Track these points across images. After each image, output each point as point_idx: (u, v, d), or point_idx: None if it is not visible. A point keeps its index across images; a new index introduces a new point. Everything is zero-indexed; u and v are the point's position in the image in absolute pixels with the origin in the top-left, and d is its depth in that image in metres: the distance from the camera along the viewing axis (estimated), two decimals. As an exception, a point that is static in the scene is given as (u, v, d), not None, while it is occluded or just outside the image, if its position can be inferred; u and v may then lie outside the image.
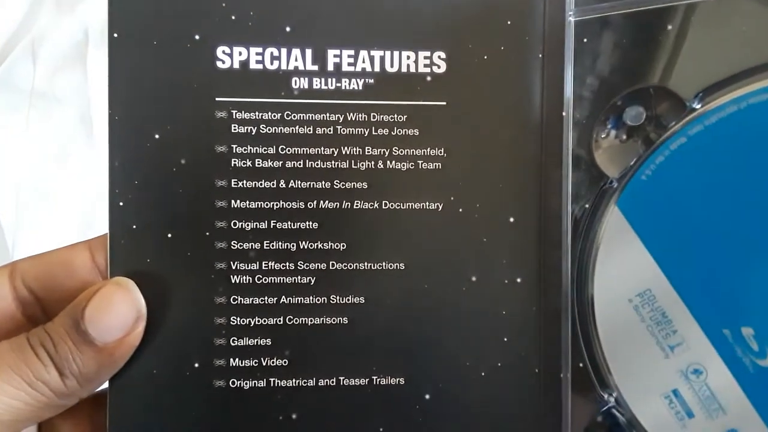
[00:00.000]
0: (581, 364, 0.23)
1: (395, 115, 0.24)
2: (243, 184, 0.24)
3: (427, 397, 0.24)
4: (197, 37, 0.23)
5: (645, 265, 0.23)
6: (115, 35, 0.23)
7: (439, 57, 0.24)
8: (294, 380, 0.24)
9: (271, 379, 0.24)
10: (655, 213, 0.23)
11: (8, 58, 0.43)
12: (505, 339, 0.24)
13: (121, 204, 0.23)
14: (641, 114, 0.24)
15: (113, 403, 0.23)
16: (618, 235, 0.24)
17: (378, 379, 0.24)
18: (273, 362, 0.24)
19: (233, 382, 0.23)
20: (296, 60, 0.24)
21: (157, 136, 0.23)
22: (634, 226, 0.23)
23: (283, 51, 0.24)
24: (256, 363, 0.24)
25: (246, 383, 0.23)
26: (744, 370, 0.23)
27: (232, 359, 0.23)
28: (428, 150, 0.24)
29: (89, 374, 0.22)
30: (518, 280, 0.24)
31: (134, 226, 0.23)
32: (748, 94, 0.23)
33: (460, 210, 0.24)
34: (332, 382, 0.24)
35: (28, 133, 0.43)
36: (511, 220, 0.24)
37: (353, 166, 0.24)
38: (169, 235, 0.23)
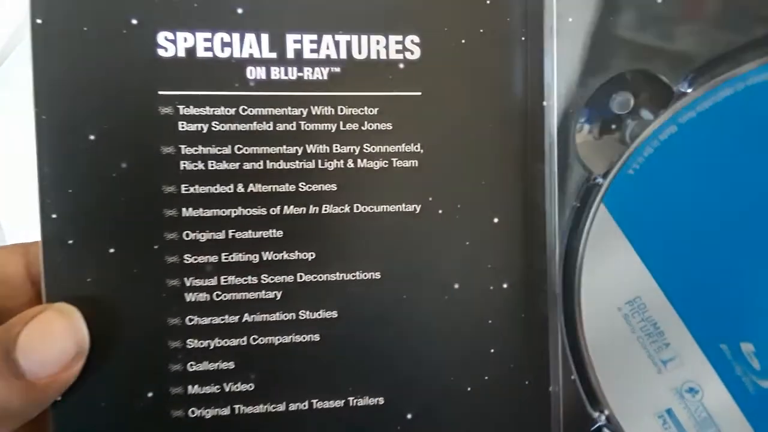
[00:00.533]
0: (573, 377, 0.22)
1: (365, 108, 0.22)
2: (194, 189, 0.21)
3: (409, 416, 0.22)
4: (134, 21, 0.20)
5: (634, 270, 0.21)
6: (39, 21, 0.20)
7: (412, 41, 0.22)
8: (261, 406, 0.21)
9: (236, 406, 0.21)
10: (645, 212, 0.21)
11: (8, 57, 0.43)
12: (492, 350, 0.22)
13: (54, 216, 0.20)
14: (629, 101, 0.22)
15: (56, 442, 0.20)
16: (605, 237, 0.22)
17: (354, 401, 0.22)
18: (237, 387, 0.21)
19: (193, 412, 0.21)
20: (251, 47, 0.21)
21: (92, 138, 0.20)
22: (622, 226, 0.21)
23: (236, 36, 0.21)
24: (217, 389, 0.21)
25: (207, 412, 0.21)
26: (744, 391, 0.21)
27: (190, 386, 0.21)
28: (403, 146, 0.22)
29: (11, 410, 0.19)
30: (504, 285, 0.22)
31: (70, 241, 0.20)
32: (745, 74, 0.21)
33: (440, 211, 0.22)
34: (304, 406, 0.22)
35: (28, 133, 0.42)
36: (495, 220, 0.22)
37: (320, 166, 0.21)
38: (112, 250, 0.21)
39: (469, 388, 0.22)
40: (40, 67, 0.20)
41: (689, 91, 0.21)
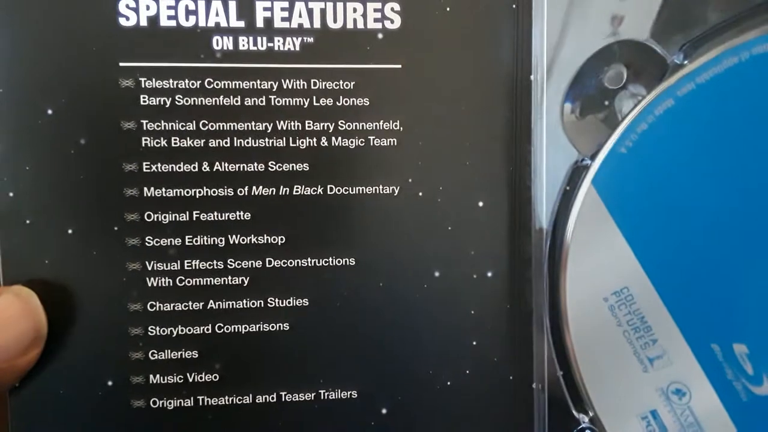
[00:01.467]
0: (559, 373, 0.20)
1: (341, 82, 0.20)
2: (157, 167, 0.20)
3: (384, 411, 0.21)
4: (94, -13, 0.19)
5: (623, 259, 0.19)
6: None
7: (392, 9, 0.20)
8: (227, 398, 0.20)
9: (200, 398, 0.20)
10: (636, 195, 0.20)
11: None
12: (474, 342, 0.21)
13: (11, 195, 0.19)
14: (621, 74, 0.20)
15: (15, 429, 0.20)
16: (593, 221, 0.20)
17: (326, 393, 0.21)
18: (201, 378, 0.20)
19: (154, 402, 0.20)
20: (217, 14, 0.20)
21: (49, 112, 0.19)
22: (611, 210, 0.20)
23: (201, 3, 0.20)
24: (181, 379, 0.20)
25: (170, 403, 0.20)
26: (735, 397, 0.19)
27: (152, 376, 0.20)
28: (381, 123, 0.20)
29: None
30: (488, 274, 0.21)
31: (27, 221, 0.19)
32: (750, 42, 0.18)
33: (420, 194, 0.20)
34: (272, 398, 0.20)
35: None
36: (480, 204, 0.21)
37: (291, 144, 0.20)
38: (70, 231, 0.19)
39: (449, 382, 0.21)
40: None
41: (685, 63, 0.19)
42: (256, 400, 0.20)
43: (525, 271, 0.21)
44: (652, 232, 0.19)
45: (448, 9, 0.20)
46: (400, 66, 0.20)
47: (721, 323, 0.19)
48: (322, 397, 0.21)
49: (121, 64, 0.19)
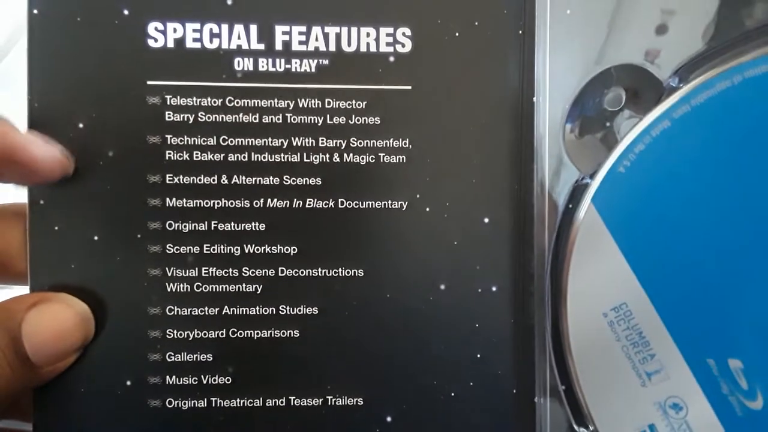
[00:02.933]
0: (562, 388, 0.20)
1: (353, 101, 0.21)
2: (179, 179, 0.21)
3: (389, 419, 0.21)
4: (126, 12, 0.21)
5: (621, 275, 0.20)
6: (35, 12, 0.21)
7: (403, 34, 0.21)
8: (238, 400, 0.21)
9: (213, 399, 0.21)
10: (634, 212, 0.20)
11: (8, 55, 0.41)
12: (479, 355, 0.21)
13: (41, 202, 0.21)
14: (620, 96, 0.20)
15: (38, 425, 0.21)
16: (593, 239, 0.20)
17: (333, 400, 0.21)
18: (214, 380, 0.21)
19: (170, 402, 0.21)
20: (239, 38, 0.21)
21: (81, 126, 0.21)
22: (610, 227, 0.20)
23: (224, 27, 0.21)
24: (195, 381, 0.21)
25: (184, 403, 0.21)
26: (730, 412, 0.19)
27: (168, 377, 0.21)
28: (391, 141, 0.21)
29: (7, 391, 0.19)
30: (493, 288, 0.21)
31: (56, 228, 0.21)
32: (743, 65, 0.19)
33: (428, 209, 0.21)
34: (281, 402, 0.21)
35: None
36: (486, 220, 0.21)
37: (305, 160, 0.21)
38: (96, 238, 0.21)
39: (453, 393, 0.21)
40: (34, 56, 0.21)
41: (680, 85, 0.20)
42: (266, 404, 0.21)
43: (529, 286, 0.21)
44: (649, 249, 0.20)
45: (456, 34, 0.21)
46: (410, 87, 0.21)
47: (717, 338, 0.19)
48: (329, 403, 0.21)
49: (148, 82, 0.21)
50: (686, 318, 0.19)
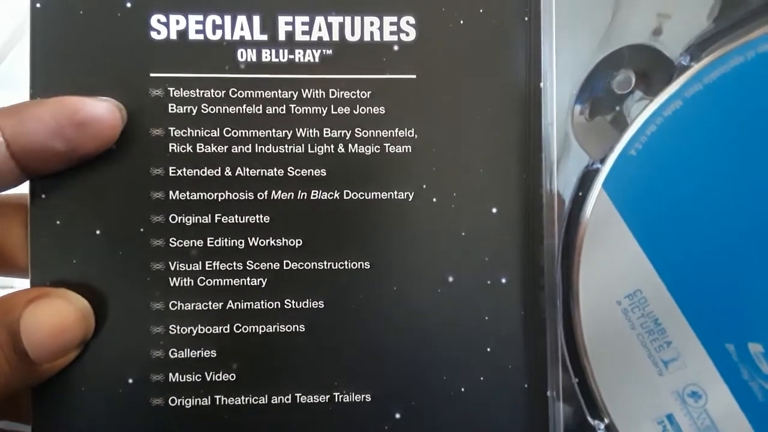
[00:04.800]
0: (575, 380, 0.20)
1: (357, 91, 0.21)
2: (182, 172, 0.21)
3: (398, 416, 0.21)
4: (128, 4, 0.21)
5: (635, 261, 0.19)
6: (38, 5, 0.20)
7: (407, 23, 0.21)
8: (243, 398, 0.21)
9: (217, 397, 0.21)
10: (647, 197, 0.19)
11: (8, 55, 0.42)
12: (489, 349, 0.21)
13: (43, 196, 0.20)
14: (630, 79, 0.20)
15: (37, 424, 0.20)
16: (605, 224, 0.20)
17: (340, 396, 0.21)
18: (218, 377, 0.21)
19: (173, 401, 0.20)
20: (242, 29, 0.21)
21: None
22: (623, 212, 0.19)
23: (227, 18, 0.21)
24: (199, 378, 0.20)
25: (187, 401, 0.20)
26: (751, 398, 0.18)
27: (171, 374, 0.20)
28: (396, 131, 0.21)
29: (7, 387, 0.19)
30: (503, 280, 0.21)
31: (58, 222, 0.20)
32: (756, 40, 0.18)
33: (434, 200, 0.21)
34: (287, 399, 0.21)
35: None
36: (494, 210, 0.21)
37: (310, 151, 0.21)
38: (98, 232, 0.20)
39: (463, 389, 0.21)
40: (37, 50, 0.20)
41: (691, 64, 0.19)
42: (272, 401, 0.21)
43: (539, 276, 0.21)
44: (663, 234, 0.19)
45: (461, 22, 0.21)
46: (415, 76, 0.21)
47: (735, 323, 0.19)
48: (336, 400, 0.21)
49: (151, 74, 0.21)
50: (703, 303, 0.19)
